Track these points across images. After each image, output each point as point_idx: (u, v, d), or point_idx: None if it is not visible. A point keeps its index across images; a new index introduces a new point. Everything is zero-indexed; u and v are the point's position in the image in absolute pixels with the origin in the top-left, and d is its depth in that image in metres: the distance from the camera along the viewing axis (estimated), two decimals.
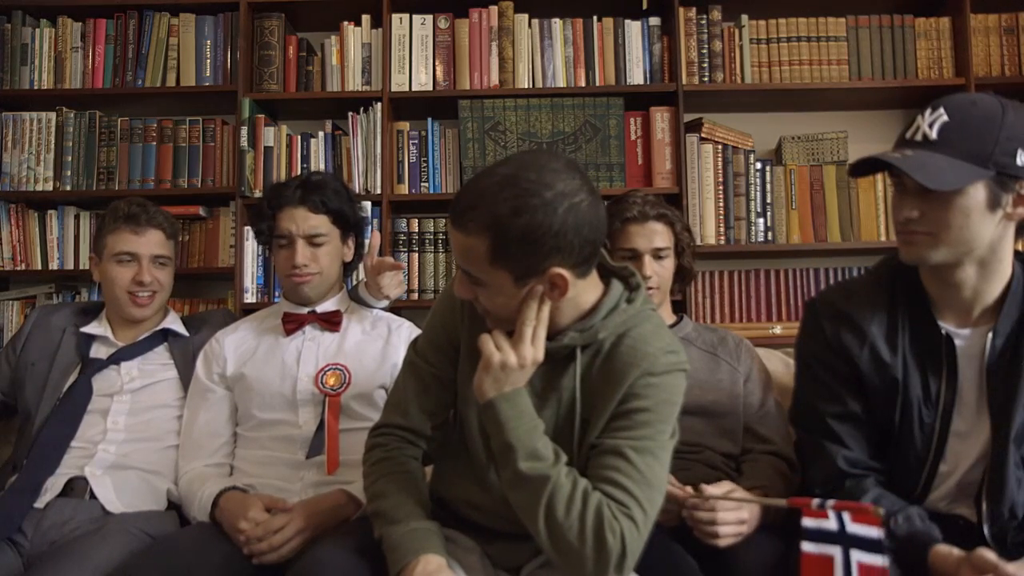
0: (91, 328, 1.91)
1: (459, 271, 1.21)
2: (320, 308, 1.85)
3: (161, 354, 1.92)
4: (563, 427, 1.25)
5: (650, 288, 1.78)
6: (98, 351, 1.90)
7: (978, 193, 1.21)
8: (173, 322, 1.97)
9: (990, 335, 1.31)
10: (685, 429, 1.69)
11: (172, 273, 1.98)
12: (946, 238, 1.24)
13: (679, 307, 2.27)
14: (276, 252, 1.84)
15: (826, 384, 1.40)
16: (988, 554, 1.16)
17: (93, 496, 1.70)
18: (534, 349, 1.19)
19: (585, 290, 1.22)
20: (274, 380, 1.76)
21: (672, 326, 1.86)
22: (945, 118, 1.23)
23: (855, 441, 1.37)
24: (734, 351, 1.83)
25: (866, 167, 1.29)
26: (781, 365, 2.01)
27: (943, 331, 1.33)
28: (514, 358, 1.18)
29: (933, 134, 1.23)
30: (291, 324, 1.82)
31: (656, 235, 1.80)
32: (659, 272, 1.80)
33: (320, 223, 1.80)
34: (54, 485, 1.71)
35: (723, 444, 1.72)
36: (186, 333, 1.97)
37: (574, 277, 1.16)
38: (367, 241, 1.95)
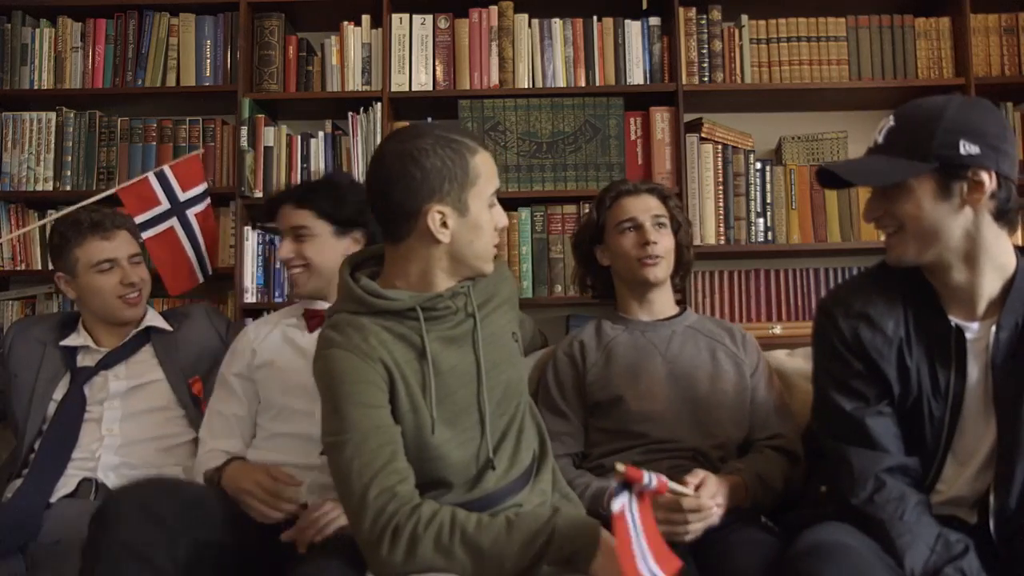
0: (71, 340, 1.91)
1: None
2: None
3: (146, 354, 1.92)
4: None
5: (656, 256, 1.79)
6: (84, 360, 1.90)
7: (925, 184, 1.28)
8: (154, 319, 1.97)
9: (993, 328, 1.32)
10: (666, 423, 1.70)
11: (146, 268, 2.00)
12: (910, 232, 1.31)
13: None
14: None
15: (847, 384, 1.38)
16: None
17: (99, 497, 1.71)
18: None
19: None
20: (299, 369, 1.73)
21: (675, 317, 1.86)
22: (891, 124, 1.33)
23: (887, 440, 1.36)
24: (741, 343, 1.84)
25: (824, 178, 1.39)
26: (781, 365, 2.02)
27: (953, 324, 1.34)
28: None
29: (880, 139, 1.33)
30: (313, 320, 1.80)
31: (652, 205, 1.84)
32: (662, 240, 1.81)
33: (302, 217, 1.77)
34: (63, 488, 1.72)
35: (696, 438, 1.70)
36: (169, 328, 1.97)
37: None
38: None
